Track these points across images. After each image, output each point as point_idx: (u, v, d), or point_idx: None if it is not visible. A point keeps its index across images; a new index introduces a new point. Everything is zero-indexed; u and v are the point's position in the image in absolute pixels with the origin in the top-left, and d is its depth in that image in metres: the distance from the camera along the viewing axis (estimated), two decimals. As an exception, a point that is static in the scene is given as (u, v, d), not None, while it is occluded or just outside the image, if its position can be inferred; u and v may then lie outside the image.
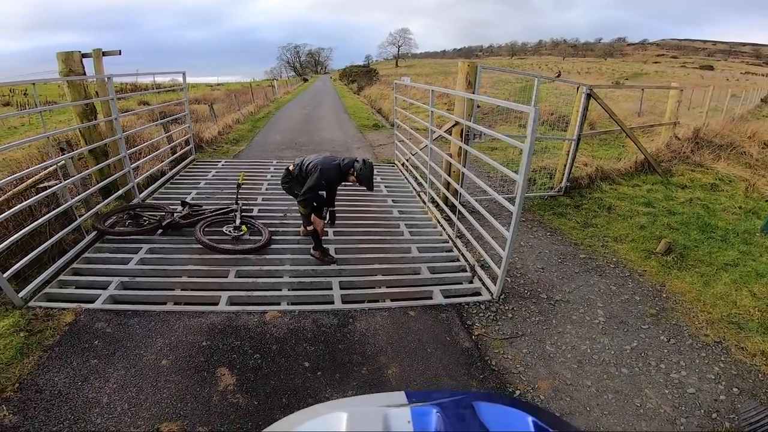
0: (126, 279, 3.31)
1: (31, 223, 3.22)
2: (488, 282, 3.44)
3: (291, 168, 3.62)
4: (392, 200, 5.38)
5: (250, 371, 2.42)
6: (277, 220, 4.55)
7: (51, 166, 3.67)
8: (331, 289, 3.33)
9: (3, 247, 2.84)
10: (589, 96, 4.99)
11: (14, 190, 3.61)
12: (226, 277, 3.43)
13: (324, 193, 3.72)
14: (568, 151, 5.21)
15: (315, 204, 3.54)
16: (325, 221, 3.71)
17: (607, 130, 6.92)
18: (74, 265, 3.48)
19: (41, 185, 3.74)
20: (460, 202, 3.99)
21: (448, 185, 4.67)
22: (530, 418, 0.90)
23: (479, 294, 3.40)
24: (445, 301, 3.23)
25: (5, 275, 2.80)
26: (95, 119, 4.27)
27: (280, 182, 3.79)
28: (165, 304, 3.10)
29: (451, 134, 4.58)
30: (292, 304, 3.18)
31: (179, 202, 4.55)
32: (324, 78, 65.52)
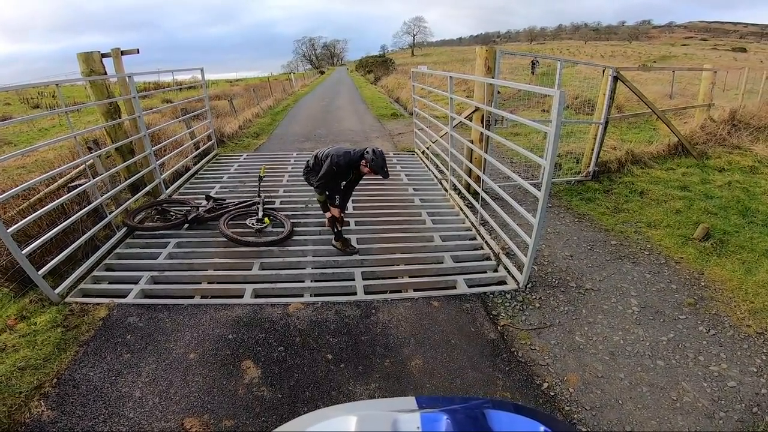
0: (155, 273, 3.38)
1: (64, 221, 3.31)
2: (514, 270, 3.32)
3: (310, 160, 3.67)
4: (413, 188, 5.28)
5: (274, 364, 2.43)
6: (299, 211, 4.55)
7: (80, 165, 3.77)
8: (353, 279, 3.30)
9: (37, 244, 2.93)
10: (616, 79, 4.71)
11: (47, 189, 3.74)
12: (250, 269, 3.46)
13: (338, 180, 3.66)
14: (596, 135, 4.96)
15: (327, 192, 3.57)
16: (340, 209, 3.70)
17: (637, 113, 6.54)
18: (107, 261, 3.57)
19: (72, 184, 3.86)
20: (483, 189, 3.86)
21: (470, 172, 4.53)
22: (542, 427, 0.88)
23: (504, 283, 3.29)
24: (469, 290, 3.14)
25: (40, 272, 2.89)
26: (119, 118, 4.34)
27: (302, 174, 3.85)
28: (192, 297, 3.16)
29: (471, 120, 4.42)
30: (315, 295, 3.17)
31: (204, 196, 4.61)
32: (340, 70, 65.17)
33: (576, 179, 5.22)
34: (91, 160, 3.90)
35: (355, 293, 3.14)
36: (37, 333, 2.68)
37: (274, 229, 4.00)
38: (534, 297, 3.06)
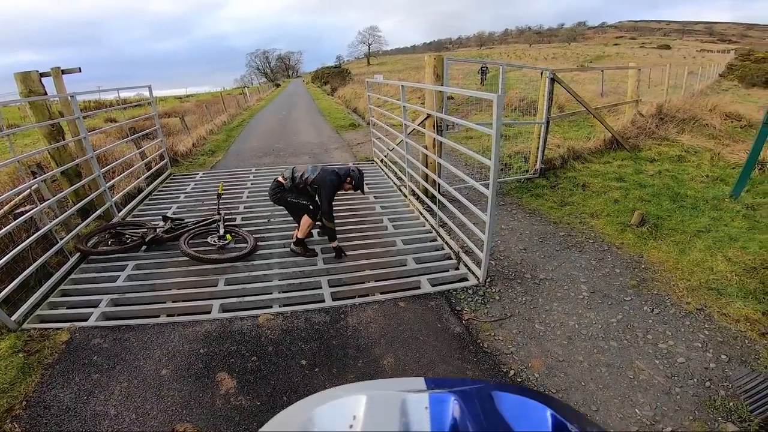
0: (116, 296, 3.32)
1: (12, 250, 3.13)
2: (473, 267, 3.52)
3: (280, 179, 3.73)
4: (374, 197, 5.41)
5: (249, 373, 2.44)
6: (261, 226, 4.54)
7: (25, 190, 3.56)
8: (321, 288, 3.35)
9: None
10: (552, 80, 5.14)
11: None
12: (216, 285, 3.42)
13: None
14: (539, 135, 5.36)
15: (313, 208, 3.69)
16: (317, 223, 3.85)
17: (574, 112, 7.13)
18: (62, 287, 3.46)
19: (17, 211, 3.63)
20: (439, 192, 4.07)
21: (426, 177, 4.74)
22: (549, 411, 0.89)
23: (466, 279, 3.48)
24: (433, 289, 3.30)
25: None
26: (63, 139, 4.12)
27: (268, 195, 3.88)
28: (158, 316, 3.10)
29: (425, 127, 4.65)
30: (284, 305, 3.18)
31: (160, 217, 4.48)
32: (296, 82, 64.87)
33: (525, 177, 5.59)
34: (36, 185, 3.68)
35: (323, 300, 3.19)
36: (1, 359, 2.64)
37: (237, 245, 3.97)
38: (494, 290, 3.26)
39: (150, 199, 5.58)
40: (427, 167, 4.58)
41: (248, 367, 2.49)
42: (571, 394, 2.28)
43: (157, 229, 4.14)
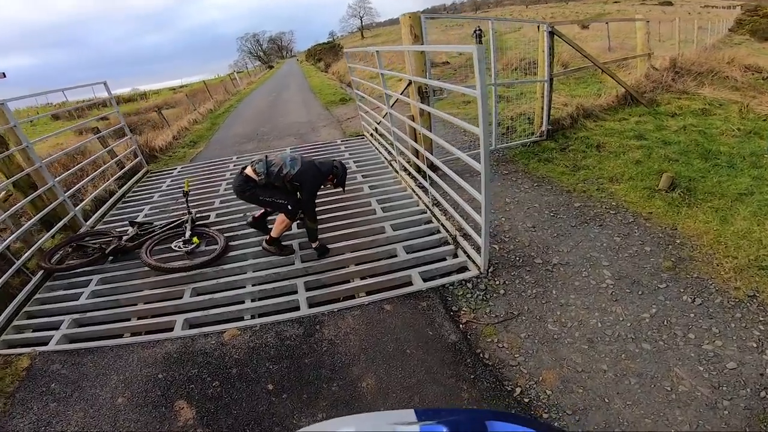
0: (77, 315, 3.04)
1: None
2: (473, 254, 3.01)
3: (249, 173, 3.08)
4: (362, 175, 4.87)
5: (209, 401, 2.15)
6: (237, 222, 4.11)
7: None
8: (296, 292, 2.92)
9: None
10: (552, 34, 4.45)
11: None
12: (182, 297, 3.03)
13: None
14: (543, 94, 4.71)
15: (292, 207, 3.18)
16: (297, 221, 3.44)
17: (580, 68, 6.37)
18: (27, 308, 3.22)
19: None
20: (428, 167, 3.53)
21: (416, 151, 4.19)
22: None
23: (466, 269, 2.98)
24: (425, 285, 2.81)
25: None
26: (6, 150, 3.71)
27: (234, 191, 3.24)
28: (122, 335, 2.82)
29: (409, 96, 4.05)
30: (257, 316, 2.79)
31: (128, 222, 4.10)
32: (290, 62, 63.27)
33: (531, 140, 4.95)
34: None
35: (298, 308, 2.76)
36: None
37: (208, 248, 3.56)
38: (498, 282, 2.76)
39: (123, 202, 5.18)
40: (415, 140, 4.01)
41: (209, 394, 2.20)
42: (591, 414, 1.83)
43: (123, 237, 3.74)
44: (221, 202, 4.70)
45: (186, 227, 3.72)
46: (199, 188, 5.24)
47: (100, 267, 3.58)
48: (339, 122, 8.24)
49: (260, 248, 3.44)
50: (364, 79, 6.59)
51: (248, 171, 3.11)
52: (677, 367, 2.00)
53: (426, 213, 3.79)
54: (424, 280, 2.89)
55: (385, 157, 5.39)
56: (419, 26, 3.61)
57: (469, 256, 3.05)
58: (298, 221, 3.45)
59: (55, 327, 2.95)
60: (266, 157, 3.19)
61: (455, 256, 3.15)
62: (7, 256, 3.41)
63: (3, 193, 4.06)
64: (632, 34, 7.56)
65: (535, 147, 4.86)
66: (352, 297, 2.87)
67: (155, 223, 4.09)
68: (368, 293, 2.88)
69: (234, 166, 6.02)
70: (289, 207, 3.11)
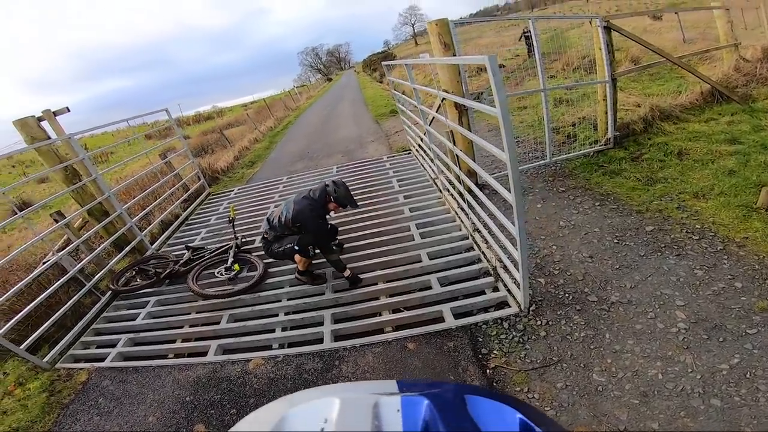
0: (133, 335, 3.47)
1: (42, 296, 3.46)
2: (514, 289, 2.79)
3: (265, 235, 3.41)
4: (404, 196, 4.85)
5: (224, 428, 2.32)
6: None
7: (46, 236, 3.83)
8: (323, 324, 2.98)
9: (10, 326, 3.13)
10: (607, 29, 4.02)
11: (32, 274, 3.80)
12: (219, 323, 3.29)
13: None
14: (605, 96, 4.26)
15: (300, 247, 3.24)
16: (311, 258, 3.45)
17: (651, 64, 5.64)
18: (95, 326, 3.73)
19: (46, 259, 3.93)
20: (466, 189, 3.39)
21: (456, 160, 4.06)
22: (518, 415, 0.94)
23: (506, 305, 2.78)
24: (455, 323, 2.67)
25: (22, 347, 3.16)
26: (79, 180, 4.32)
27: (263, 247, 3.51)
28: (167, 356, 3.16)
29: (446, 110, 3.95)
30: (285, 345, 2.93)
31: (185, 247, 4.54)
32: (348, 73, 66.03)
33: (594, 149, 4.51)
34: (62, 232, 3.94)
35: (322, 340, 2.81)
36: (29, 398, 3.02)
37: (249, 274, 3.80)
38: (539, 322, 2.52)
39: (186, 225, 5.78)
40: (455, 160, 3.89)
41: (225, 421, 2.37)
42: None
43: (179, 262, 4.16)
44: (270, 214, 4.97)
45: (230, 253, 3.99)
46: (248, 211, 5.65)
47: (159, 289, 4.01)
48: (387, 137, 8.35)
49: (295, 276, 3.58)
50: (405, 92, 6.59)
51: (265, 234, 3.41)
52: (749, 427, 1.66)
53: (468, 240, 3.63)
54: (456, 317, 2.76)
55: (429, 175, 5.31)
56: (448, 34, 3.51)
57: (509, 291, 2.84)
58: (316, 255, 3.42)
59: (113, 345, 3.39)
60: (268, 215, 3.44)
61: (495, 289, 2.96)
62: (80, 278, 3.95)
63: (80, 220, 4.75)
64: (713, 23, 6.58)
65: (599, 157, 4.40)
66: (380, 331, 2.83)
67: (207, 247, 4.47)
68: (396, 328, 2.82)
69: (283, 187, 6.42)
70: (296, 248, 3.20)
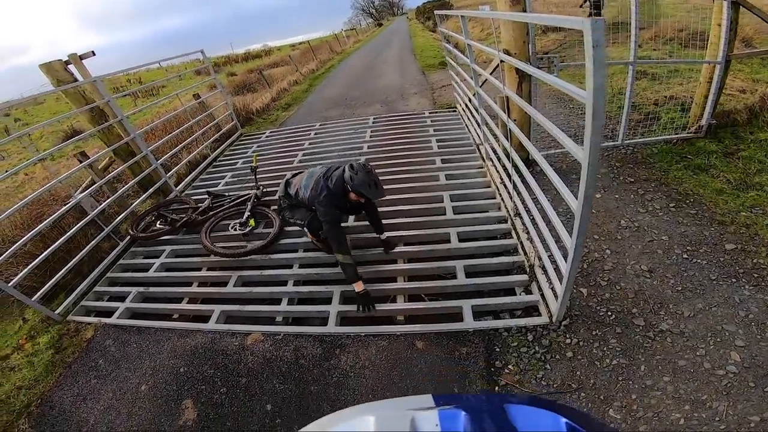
0: (142, 289, 3.42)
1: (60, 240, 3.51)
2: (549, 295, 2.52)
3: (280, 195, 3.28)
4: (442, 160, 4.54)
5: (211, 407, 2.33)
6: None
7: (69, 177, 3.92)
8: (331, 302, 2.86)
9: (24, 274, 3.16)
10: (735, 4, 3.21)
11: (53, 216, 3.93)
12: (226, 285, 3.26)
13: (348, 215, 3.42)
14: (711, 78, 3.52)
15: (308, 224, 3.09)
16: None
17: None
18: (110, 274, 3.74)
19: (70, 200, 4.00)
20: (511, 164, 2.99)
21: (509, 135, 3.63)
22: (563, 420, 0.93)
23: (535, 312, 2.53)
24: (474, 324, 2.47)
25: (36, 296, 3.21)
26: (105, 122, 4.41)
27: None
28: (172, 316, 3.16)
29: (502, 71, 3.44)
30: (287, 319, 2.89)
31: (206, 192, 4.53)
32: (400, 19, 63.50)
33: (680, 136, 3.84)
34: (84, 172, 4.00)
35: (326, 321, 2.72)
36: (37, 354, 3.07)
37: (265, 230, 3.72)
38: (569, 341, 2.27)
39: (213, 167, 5.81)
40: (507, 135, 3.45)
41: (214, 400, 2.37)
42: None
43: (197, 210, 4.13)
44: (293, 175, 4.80)
45: (248, 206, 3.89)
46: (275, 158, 5.56)
47: (176, 238, 4.02)
48: (432, 90, 7.83)
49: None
50: (459, 46, 5.92)
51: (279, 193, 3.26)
52: None
53: (506, 223, 3.30)
54: (477, 316, 2.57)
55: (474, 139, 4.87)
56: (519, -15, 2.92)
57: (543, 296, 2.55)
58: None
59: (124, 297, 3.39)
60: (287, 179, 3.24)
61: (527, 291, 2.70)
62: (100, 221, 3.99)
63: (105, 160, 4.90)
64: None
65: (684, 147, 3.78)
66: (390, 320, 2.69)
67: (229, 194, 4.42)
68: (407, 319, 2.64)
69: (315, 134, 6.27)
70: (306, 228, 3.10)
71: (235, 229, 3.76)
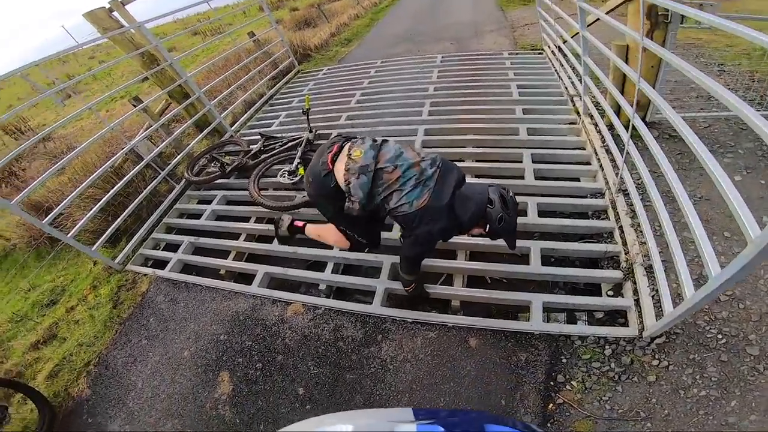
0: (193, 239, 3.48)
1: (118, 185, 3.61)
2: (647, 304, 2.08)
3: (340, 179, 1.94)
4: (523, 110, 3.93)
5: (246, 383, 2.36)
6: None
7: (125, 121, 3.97)
8: (379, 275, 2.66)
9: (82, 224, 3.27)
10: None
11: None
12: (271, 243, 3.19)
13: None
14: None
15: (358, 236, 2.27)
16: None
17: None
18: (166, 219, 3.87)
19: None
20: (629, 126, 2.41)
21: (622, 86, 2.96)
22: None
23: (620, 320, 2.17)
24: (542, 327, 2.15)
25: (95, 246, 3.36)
26: (157, 66, 4.42)
27: (308, 187, 2.09)
28: (219, 271, 3.21)
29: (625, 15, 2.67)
30: (330, 289, 2.79)
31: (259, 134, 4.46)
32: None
33: None
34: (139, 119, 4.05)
35: (372, 298, 2.56)
36: (97, 307, 3.24)
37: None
38: (657, 362, 1.90)
39: (269, 105, 5.73)
40: (621, 90, 2.81)
41: (249, 375, 2.40)
42: None
43: (248, 154, 4.03)
44: (347, 118, 4.60)
45: (299, 150, 3.73)
46: (330, 97, 5.30)
47: (227, 182, 4.02)
48: (512, 29, 6.84)
49: None
50: None
51: (338, 173, 1.95)
52: None
53: (602, 199, 2.80)
54: (548, 315, 2.26)
55: (565, 88, 4.13)
56: None
57: (638, 303, 2.12)
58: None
59: (177, 248, 3.46)
60: (374, 162, 1.87)
61: (618, 292, 2.29)
62: (156, 164, 4.10)
63: (162, 103, 5.04)
64: None
65: None
66: (443, 307, 2.46)
67: (282, 137, 4.27)
68: (463, 306, 2.37)
69: (375, 72, 5.86)
70: (363, 242, 2.26)
71: (284, 177, 3.63)
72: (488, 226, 1.82)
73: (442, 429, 0.98)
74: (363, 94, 5.10)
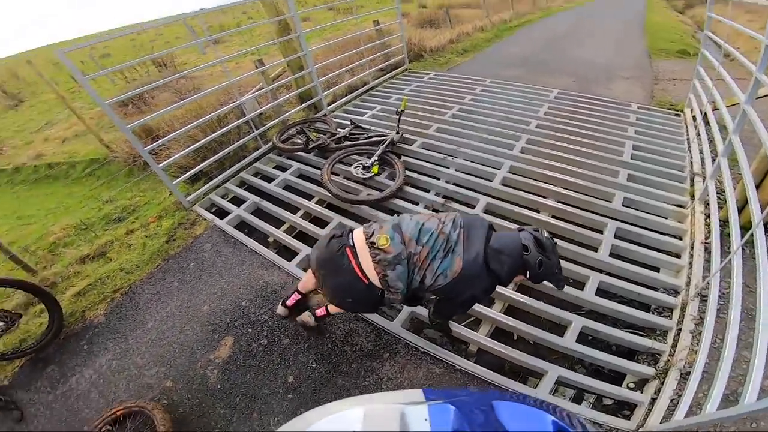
0: (258, 200, 3.72)
1: (216, 133, 4.05)
2: (663, 405, 1.90)
3: (368, 269, 1.80)
4: (628, 175, 3.53)
5: (244, 355, 2.46)
6: (432, 162, 4.01)
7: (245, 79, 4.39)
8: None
9: (182, 153, 3.72)
10: None
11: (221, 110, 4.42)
12: (324, 227, 3.32)
13: None
14: None
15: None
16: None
17: None
18: (243, 174, 4.19)
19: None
20: (753, 231, 2.09)
21: (761, 180, 2.60)
22: (550, 418, 0.99)
23: (625, 412, 2.04)
24: (543, 398, 1.88)
25: (175, 182, 3.70)
26: (287, 35, 4.76)
27: (321, 261, 1.90)
28: (267, 238, 3.39)
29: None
30: None
31: (350, 120, 4.68)
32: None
33: None
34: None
35: (394, 317, 2.57)
36: (154, 237, 3.45)
37: (384, 182, 3.67)
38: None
39: (369, 95, 5.93)
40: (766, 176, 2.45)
41: (250, 348, 2.50)
42: None
43: (334, 136, 4.25)
44: (437, 129, 4.61)
45: (380, 148, 3.88)
46: (427, 103, 5.35)
47: (306, 157, 4.27)
48: (654, 80, 6.07)
49: (431, 198, 3.35)
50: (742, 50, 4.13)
51: (368, 270, 1.81)
52: None
53: (676, 298, 2.52)
54: (557, 387, 2.16)
55: (690, 163, 3.70)
56: None
57: (653, 402, 1.98)
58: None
59: (240, 203, 3.71)
60: (405, 248, 1.77)
61: (640, 387, 2.12)
62: (254, 123, 4.42)
63: (279, 69, 5.50)
64: None
65: None
66: (460, 345, 2.41)
67: (370, 129, 4.49)
68: (479, 352, 2.40)
69: (480, 90, 5.77)
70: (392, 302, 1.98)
71: (358, 169, 3.78)
72: (528, 272, 1.78)
73: (453, 408, 1.00)
74: (461, 109, 5.05)
